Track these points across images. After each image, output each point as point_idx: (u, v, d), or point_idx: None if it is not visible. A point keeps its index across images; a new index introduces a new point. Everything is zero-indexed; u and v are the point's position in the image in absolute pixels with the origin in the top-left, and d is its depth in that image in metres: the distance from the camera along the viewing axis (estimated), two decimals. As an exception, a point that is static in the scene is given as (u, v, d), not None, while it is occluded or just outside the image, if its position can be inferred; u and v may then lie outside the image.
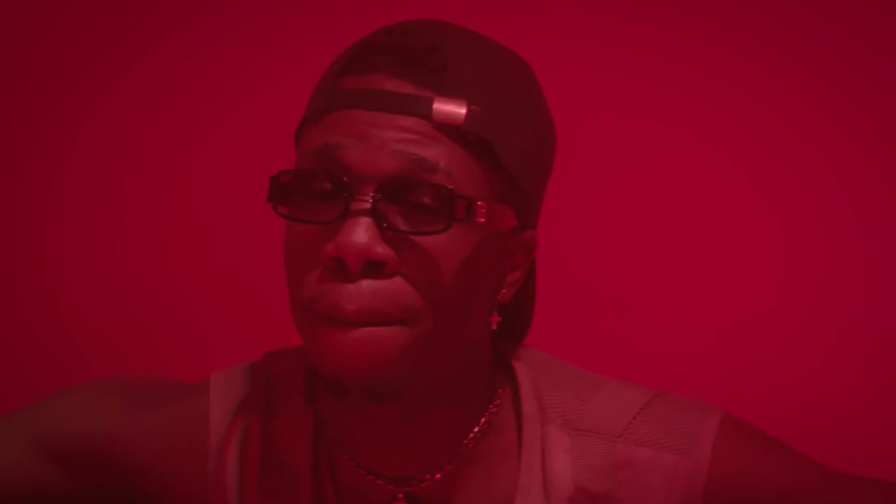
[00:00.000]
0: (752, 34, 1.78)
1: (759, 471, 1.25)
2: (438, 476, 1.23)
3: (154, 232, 1.90)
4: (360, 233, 1.14)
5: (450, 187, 1.16)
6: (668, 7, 1.80)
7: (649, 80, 1.79)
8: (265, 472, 1.26)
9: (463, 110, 1.17)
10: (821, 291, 1.78)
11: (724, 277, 1.80)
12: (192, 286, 1.89)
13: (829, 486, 1.25)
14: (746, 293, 1.78)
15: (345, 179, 1.15)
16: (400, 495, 1.23)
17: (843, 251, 1.78)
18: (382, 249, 1.15)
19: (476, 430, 1.23)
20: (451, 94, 1.17)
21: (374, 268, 1.15)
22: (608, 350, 1.77)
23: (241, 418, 1.27)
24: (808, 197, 1.78)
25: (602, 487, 1.23)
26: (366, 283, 1.15)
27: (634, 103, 1.80)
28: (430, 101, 1.17)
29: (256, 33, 1.87)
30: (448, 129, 1.17)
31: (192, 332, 1.89)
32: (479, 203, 1.17)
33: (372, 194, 1.15)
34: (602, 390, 1.27)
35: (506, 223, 1.20)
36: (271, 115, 1.88)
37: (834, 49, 1.77)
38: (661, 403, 1.27)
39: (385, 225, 1.15)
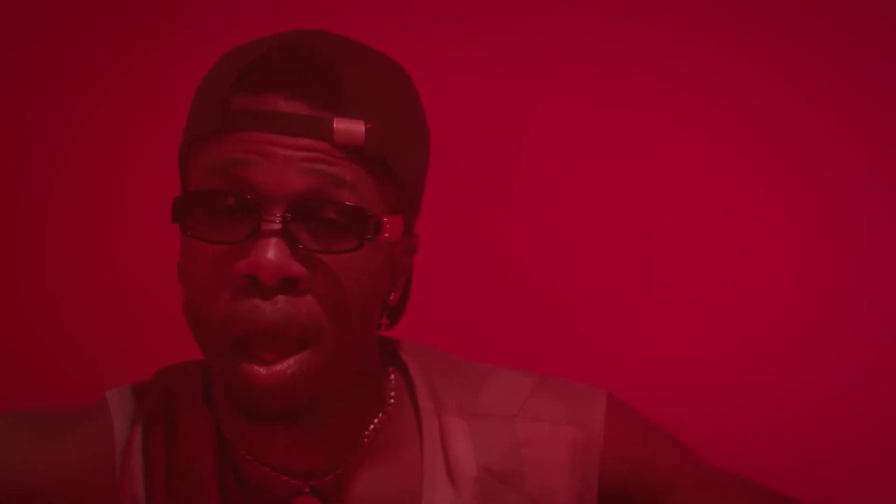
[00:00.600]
0: (759, 32, 1.78)
1: (648, 443, 1.33)
2: (341, 471, 1.25)
3: (154, 232, 1.90)
4: (274, 251, 1.15)
5: (360, 206, 1.17)
6: (674, 4, 1.80)
7: (655, 80, 1.79)
8: (170, 479, 1.27)
9: (362, 129, 1.18)
10: (830, 296, 1.78)
11: (732, 281, 1.80)
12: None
13: (707, 471, 1.34)
14: (754, 297, 1.78)
15: (254, 198, 1.16)
16: (306, 489, 1.25)
17: (853, 255, 1.78)
18: (297, 267, 1.16)
19: (375, 422, 1.26)
20: (348, 114, 1.18)
21: (289, 285, 1.16)
22: (609, 351, 1.76)
23: (142, 429, 1.28)
24: (816, 197, 1.78)
25: (506, 466, 1.27)
26: (281, 299, 1.16)
27: (641, 103, 1.81)
28: (330, 122, 1.17)
29: (257, 33, 1.87)
30: (348, 148, 1.18)
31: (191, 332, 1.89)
32: (385, 219, 1.19)
33: (282, 213, 1.16)
34: (492, 377, 1.33)
35: (399, 233, 1.23)
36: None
37: (844, 48, 1.77)
38: (550, 384, 1.33)
39: (298, 244, 1.16)
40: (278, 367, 1.16)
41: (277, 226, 1.15)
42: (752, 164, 1.79)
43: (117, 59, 1.88)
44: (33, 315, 1.90)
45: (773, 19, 1.78)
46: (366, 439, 1.26)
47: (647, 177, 1.81)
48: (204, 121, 1.21)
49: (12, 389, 1.89)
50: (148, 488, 1.26)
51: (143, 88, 1.88)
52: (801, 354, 1.76)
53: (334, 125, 1.17)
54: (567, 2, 1.82)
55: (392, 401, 1.29)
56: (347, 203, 1.17)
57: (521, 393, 1.31)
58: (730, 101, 1.79)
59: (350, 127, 1.17)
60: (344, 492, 1.25)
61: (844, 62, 1.77)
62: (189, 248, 1.19)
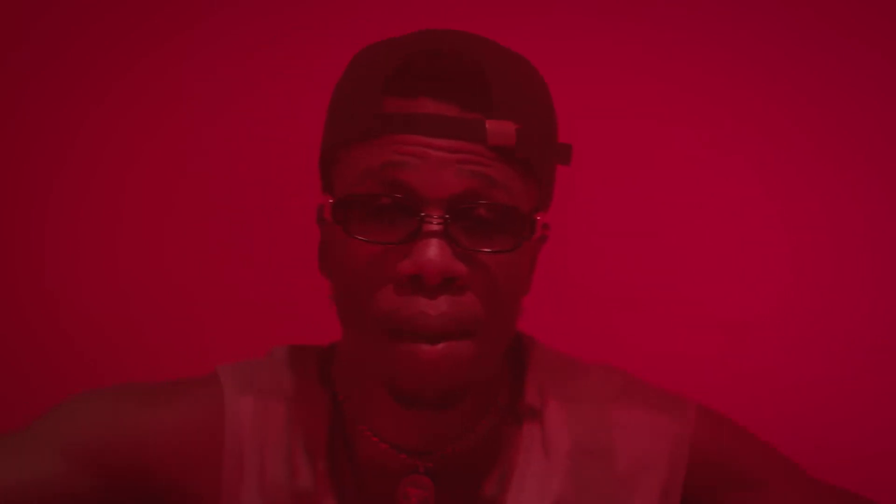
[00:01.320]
0: (761, 33, 1.79)
1: (737, 441, 1.36)
2: (450, 451, 1.29)
3: (154, 232, 1.90)
4: (437, 251, 1.19)
5: (515, 205, 1.22)
6: (676, 5, 1.80)
7: (655, 80, 1.80)
8: (279, 450, 1.30)
9: (513, 130, 1.21)
10: (827, 293, 1.79)
11: (730, 279, 1.80)
12: (192, 286, 1.90)
13: (799, 478, 1.37)
14: (752, 295, 1.78)
15: (414, 200, 1.20)
16: (421, 468, 1.28)
17: (850, 253, 1.78)
18: (458, 266, 1.20)
19: (492, 408, 1.31)
20: (498, 116, 1.21)
21: (450, 283, 1.20)
22: (612, 351, 1.77)
23: (253, 400, 1.32)
24: (814, 198, 1.79)
25: (598, 444, 1.32)
26: (443, 297, 1.20)
27: (640, 102, 1.81)
28: (482, 124, 1.21)
29: (257, 33, 1.87)
30: (500, 149, 1.21)
31: (191, 332, 1.89)
32: (537, 218, 1.24)
33: (442, 214, 1.20)
34: (591, 369, 1.38)
35: (543, 228, 1.28)
36: (272, 115, 1.88)
37: (843, 49, 1.77)
38: (644, 382, 1.38)
39: (458, 244, 1.20)
40: (443, 345, 1.20)
41: (438, 227, 1.19)
42: (750, 162, 1.79)
43: (117, 59, 1.88)
44: (33, 315, 1.91)
45: (771, 18, 1.79)
46: (482, 426, 1.30)
47: (645, 175, 1.81)
48: (354, 124, 1.24)
49: (13, 390, 1.89)
50: (256, 457, 1.30)
51: (144, 88, 1.88)
52: (800, 352, 1.77)
53: (486, 126, 1.20)
54: (567, 2, 1.82)
55: (508, 389, 1.34)
56: (504, 203, 1.21)
57: (618, 383, 1.36)
58: (727, 100, 1.79)
59: (501, 128, 1.21)
60: (451, 471, 1.29)
61: (851, 66, 1.77)
62: (347, 246, 1.23)
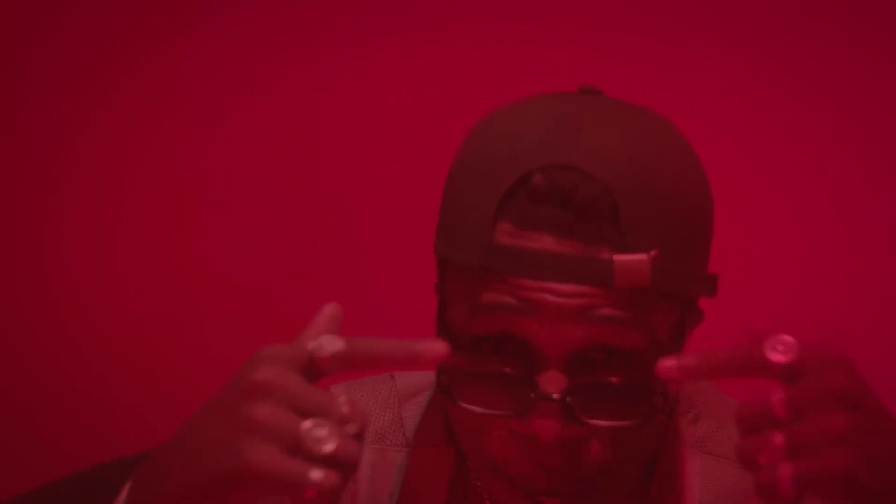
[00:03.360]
0: (761, 24, 1.78)
1: None
2: None
3: (154, 231, 1.90)
4: (553, 424, 1.04)
5: (646, 385, 1.04)
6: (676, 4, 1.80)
7: (660, 71, 1.79)
8: (392, 497, 1.19)
9: (647, 265, 1.03)
10: (837, 292, 1.78)
11: (732, 278, 1.80)
12: (192, 286, 1.89)
13: None
14: (756, 293, 1.78)
15: (528, 362, 1.04)
16: None
17: (857, 251, 1.78)
18: (576, 430, 1.04)
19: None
20: (628, 248, 1.02)
21: (566, 443, 1.06)
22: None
23: (372, 450, 1.21)
24: (824, 195, 1.78)
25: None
26: (560, 451, 1.06)
27: (643, 99, 1.80)
28: (610, 265, 1.02)
29: (258, 34, 1.87)
30: (631, 290, 1.04)
31: (193, 332, 1.89)
32: (670, 390, 1.05)
33: (559, 380, 1.03)
34: None
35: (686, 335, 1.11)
36: (273, 116, 1.88)
37: (853, 44, 1.77)
38: None
39: (578, 420, 1.03)
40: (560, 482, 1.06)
41: (556, 400, 1.03)
42: (756, 158, 1.79)
43: (118, 60, 1.88)
44: (34, 317, 1.91)
45: (775, 12, 1.78)
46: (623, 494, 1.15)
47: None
48: (464, 250, 1.07)
49: (13, 390, 1.89)
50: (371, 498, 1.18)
51: (144, 88, 1.88)
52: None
53: (615, 267, 1.02)
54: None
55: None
56: (636, 384, 1.03)
57: None
58: (733, 94, 1.79)
59: (632, 265, 1.02)
60: None
61: (861, 61, 1.77)
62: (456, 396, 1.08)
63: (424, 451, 1.20)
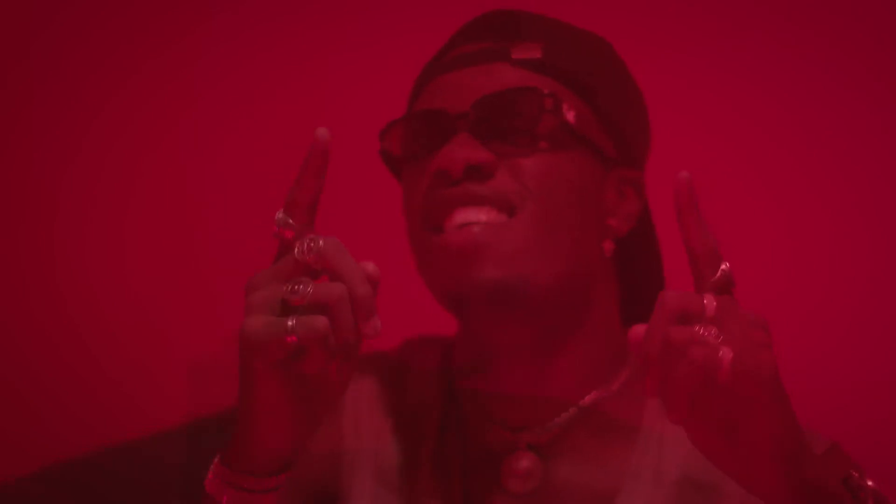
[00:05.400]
0: (757, 27, 1.80)
1: None
2: (556, 429, 1.28)
3: (160, 234, 1.92)
4: (459, 145, 1.25)
5: (536, 85, 1.26)
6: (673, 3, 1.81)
7: (660, 71, 1.81)
8: (390, 427, 1.33)
9: (538, 48, 1.28)
10: (824, 290, 1.80)
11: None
12: (194, 287, 1.91)
13: None
14: (749, 291, 1.79)
15: (441, 112, 1.27)
16: (522, 445, 1.29)
17: (849, 250, 1.79)
18: (483, 153, 1.25)
19: (601, 389, 1.30)
20: (526, 40, 1.29)
21: (475, 171, 1.23)
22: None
23: (374, 379, 1.36)
24: (812, 194, 1.80)
25: (710, 477, 1.26)
26: (469, 183, 1.24)
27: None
28: (508, 50, 1.29)
29: (263, 35, 1.89)
30: (525, 61, 1.29)
31: (194, 333, 1.91)
32: (565, 99, 1.26)
33: (467, 111, 1.26)
34: None
35: (602, 147, 1.29)
36: (277, 116, 1.90)
37: (844, 45, 1.78)
38: None
39: (484, 136, 1.25)
40: (473, 229, 1.23)
41: (464, 127, 1.26)
42: (748, 160, 1.80)
43: (122, 63, 1.90)
44: (40, 318, 1.92)
45: (771, 15, 1.80)
46: (587, 401, 1.30)
47: (653, 175, 1.82)
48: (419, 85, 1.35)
49: (15, 390, 1.91)
50: (365, 429, 1.32)
51: (147, 90, 1.90)
52: (799, 352, 1.78)
53: (511, 49, 1.29)
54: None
55: (626, 380, 1.32)
56: (522, 85, 1.27)
57: None
58: (726, 97, 1.81)
59: (526, 47, 1.29)
60: (556, 453, 1.29)
61: (851, 63, 1.78)
62: (407, 181, 1.30)
63: (419, 374, 1.36)
